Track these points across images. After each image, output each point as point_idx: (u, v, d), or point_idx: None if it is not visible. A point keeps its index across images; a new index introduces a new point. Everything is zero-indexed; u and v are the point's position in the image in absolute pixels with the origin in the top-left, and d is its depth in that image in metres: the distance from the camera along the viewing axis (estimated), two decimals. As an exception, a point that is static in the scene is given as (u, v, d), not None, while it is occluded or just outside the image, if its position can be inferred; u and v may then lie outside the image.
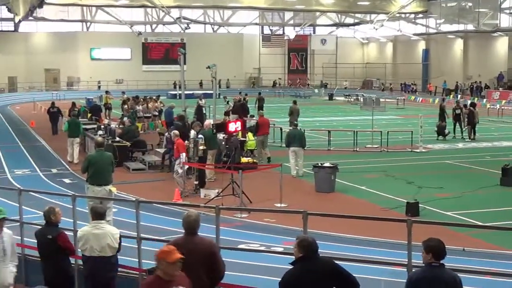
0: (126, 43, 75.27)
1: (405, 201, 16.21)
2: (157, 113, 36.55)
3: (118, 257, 8.67)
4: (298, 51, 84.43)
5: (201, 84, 71.70)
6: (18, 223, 10.73)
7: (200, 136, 19.96)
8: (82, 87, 72.63)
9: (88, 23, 77.47)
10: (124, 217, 13.70)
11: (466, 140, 30.64)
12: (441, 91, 67.19)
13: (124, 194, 17.53)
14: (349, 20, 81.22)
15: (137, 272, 9.11)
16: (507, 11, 62.45)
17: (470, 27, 64.59)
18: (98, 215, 8.59)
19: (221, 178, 18.69)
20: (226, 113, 33.58)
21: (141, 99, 38.43)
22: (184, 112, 26.19)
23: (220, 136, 21.41)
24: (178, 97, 44.53)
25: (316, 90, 71.83)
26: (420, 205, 15.82)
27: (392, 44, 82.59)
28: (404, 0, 67.04)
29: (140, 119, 34.88)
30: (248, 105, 36.27)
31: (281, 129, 29.23)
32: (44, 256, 9.00)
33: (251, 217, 15.47)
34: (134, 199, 10.43)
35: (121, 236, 8.61)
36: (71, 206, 10.18)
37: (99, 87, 70.60)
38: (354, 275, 6.37)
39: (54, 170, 23.15)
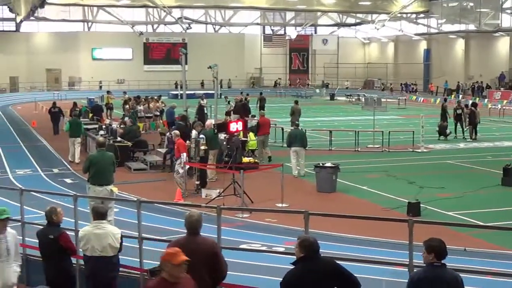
0: (128, 43, 75.28)
1: (407, 201, 16.21)
2: (158, 113, 36.57)
3: (120, 257, 8.68)
4: (300, 51, 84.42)
5: (202, 84, 71.69)
6: (20, 223, 10.74)
7: (201, 136, 19.96)
8: (83, 87, 72.66)
9: (90, 23, 77.46)
10: (126, 217, 13.72)
11: (468, 140, 30.64)
12: (443, 91, 67.16)
13: (125, 194, 17.55)
14: (350, 20, 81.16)
15: (139, 272, 9.12)
16: (509, 11, 62.42)
17: (472, 27, 64.54)
18: (99, 215, 8.59)
19: (222, 178, 18.70)
20: (227, 113, 33.57)
21: (143, 99, 38.43)
22: (186, 112, 26.21)
23: (222, 136, 21.42)
24: (179, 97, 44.60)
25: (318, 90, 71.81)
26: (421, 205, 15.82)
27: (394, 44, 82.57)
28: (406, 0, 66.97)
29: (142, 119, 34.90)
30: (250, 105, 36.27)
31: (282, 129, 29.23)
32: (45, 256, 9.00)
33: (252, 217, 15.47)
34: (135, 199, 10.45)
35: (122, 236, 8.62)
36: (73, 206, 10.19)
37: (100, 87, 70.62)
38: (355, 275, 6.38)
39: (55, 170, 23.16)
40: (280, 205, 16.66)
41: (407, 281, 6.54)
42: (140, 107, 36.18)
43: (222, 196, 17.06)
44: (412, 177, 20.84)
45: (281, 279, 6.29)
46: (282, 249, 11.69)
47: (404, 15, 73.17)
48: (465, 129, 31.47)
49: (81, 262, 9.04)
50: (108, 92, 45.28)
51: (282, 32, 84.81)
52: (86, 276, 8.67)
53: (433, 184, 19.67)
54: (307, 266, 6.19)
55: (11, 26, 74.56)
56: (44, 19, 70.27)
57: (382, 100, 38.70)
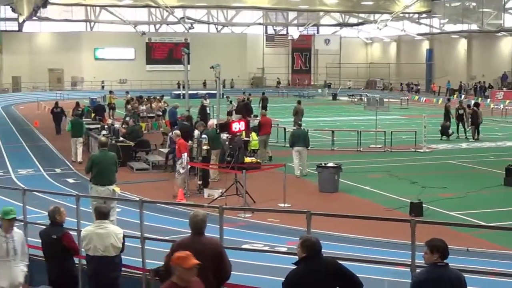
0: (130, 43, 75.34)
1: (409, 201, 16.21)
2: (160, 113, 36.58)
3: (122, 257, 8.68)
4: (302, 51, 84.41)
5: (204, 84, 71.72)
6: (22, 223, 10.75)
7: (203, 136, 19.95)
8: (85, 87, 72.72)
9: (92, 23, 77.60)
10: (128, 217, 13.73)
11: (470, 140, 30.62)
12: (445, 91, 67.13)
13: (127, 194, 17.54)
14: (353, 20, 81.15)
15: (141, 272, 9.11)
16: (511, 11, 62.36)
17: (474, 27, 64.52)
18: (101, 214, 8.60)
19: (224, 178, 18.69)
20: (229, 113, 33.61)
21: (145, 99, 38.46)
22: (188, 112, 26.21)
23: (224, 136, 21.42)
24: (181, 97, 44.68)
25: (320, 90, 71.80)
26: (423, 205, 15.81)
27: (396, 44, 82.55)
28: (408, 0, 66.97)
29: (144, 119, 34.92)
30: (252, 105, 36.28)
31: (284, 129, 29.22)
32: (48, 256, 9.01)
33: (254, 217, 15.47)
34: (137, 199, 10.45)
35: (124, 236, 8.62)
36: (75, 206, 10.19)
37: (102, 87, 70.68)
38: (357, 275, 6.38)
39: (58, 170, 23.18)
40: (282, 205, 16.66)
41: (409, 281, 6.54)
42: (143, 107, 36.21)
43: (224, 196, 17.05)
44: (414, 177, 20.82)
45: (283, 279, 6.29)
46: (284, 249, 11.68)
47: (407, 15, 73.20)
48: (467, 129, 31.46)
49: (84, 262, 9.05)
50: (110, 92, 45.32)
51: (284, 32, 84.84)
52: (89, 276, 8.68)
53: (435, 184, 19.65)
54: (309, 266, 6.19)
55: (13, 26, 74.68)
56: (47, 19, 70.42)
57: (385, 100, 38.78)
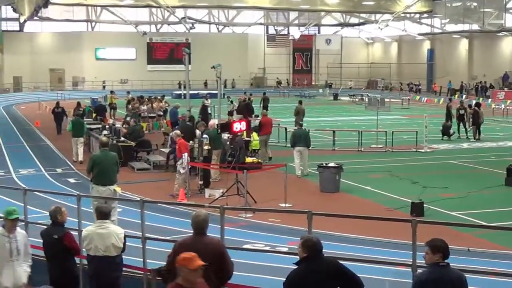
0: (131, 43, 75.36)
1: (410, 201, 16.21)
2: (161, 113, 36.59)
3: (123, 257, 8.68)
4: (303, 51, 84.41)
5: (206, 84, 71.75)
6: (23, 223, 10.75)
7: (205, 136, 19.96)
8: (87, 87, 72.72)
9: (93, 23, 77.63)
10: (129, 217, 13.73)
11: (471, 140, 30.62)
12: (446, 91, 67.12)
13: (129, 194, 17.54)
14: (354, 20, 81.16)
15: (142, 272, 9.12)
16: (512, 11, 62.41)
17: (475, 27, 64.50)
18: (103, 214, 8.61)
19: (225, 178, 18.69)
20: (230, 113, 33.61)
21: (146, 99, 38.46)
22: (189, 112, 26.22)
23: (225, 136, 21.42)
24: (183, 97, 44.66)
25: (321, 90, 71.79)
26: (425, 205, 15.80)
27: (397, 44, 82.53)
28: (409, 0, 66.96)
29: (145, 119, 34.93)
30: (253, 105, 36.28)
31: (285, 129, 29.22)
32: (49, 256, 9.01)
33: (255, 217, 15.46)
34: (139, 199, 10.45)
35: (125, 236, 8.61)
36: (76, 206, 10.20)
37: (104, 87, 70.70)
38: (358, 275, 6.38)
39: (59, 170, 23.19)
40: (283, 205, 16.67)
41: (410, 281, 6.54)
42: (144, 107, 36.22)
43: (226, 196, 17.05)
44: (415, 177, 20.82)
45: (284, 279, 6.29)
46: (285, 249, 11.69)
47: (408, 15, 73.20)
48: (468, 129, 31.45)
49: (85, 262, 9.06)
50: (111, 92, 45.35)
51: (285, 32, 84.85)
52: (90, 276, 8.68)
53: (436, 184, 19.65)
54: (310, 266, 6.20)
55: (14, 26, 74.74)
56: (48, 19, 70.45)
57: (386, 100, 38.75)
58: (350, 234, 13.67)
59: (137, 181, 20.57)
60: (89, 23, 77.65)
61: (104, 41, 75.28)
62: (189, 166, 18.38)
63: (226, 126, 20.50)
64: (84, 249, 8.77)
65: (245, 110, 33.19)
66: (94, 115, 34.65)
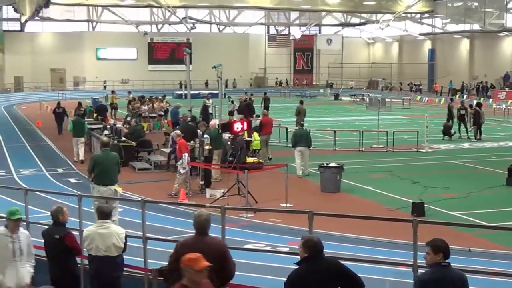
0: (132, 43, 75.39)
1: (411, 201, 16.21)
2: (162, 113, 36.59)
3: (124, 257, 8.69)
4: (304, 51, 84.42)
5: (207, 84, 71.77)
6: (24, 223, 10.76)
7: (205, 136, 19.97)
8: (88, 87, 72.76)
9: (94, 23, 77.63)
10: (130, 217, 13.73)
11: (472, 140, 30.61)
12: (447, 91, 67.11)
13: (130, 194, 17.56)
14: (355, 20, 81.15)
15: (143, 272, 9.13)
16: (513, 11, 62.39)
17: (476, 27, 64.49)
18: (104, 214, 8.61)
19: (226, 178, 18.69)
20: (230, 113, 33.59)
21: (147, 99, 38.47)
22: (190, 112, 26.22)
23: (226, 136, 21.43)
24: (183, 97, 44.55)
25: (322, 90, 71.78)
26: (425, 205, 15.80)
27: (398, 44, 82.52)
28: (410, 0, 66.93)
29: (146, 119, 34.94)
30: (254, 105, 36.28)
31: (286, 129, 29.22)
32: (51, 256, 9.01)
33: (256, 217, 15.47)
34: (140, 199, 10.45)
35: (126, 236, 8.62)
36: (77, 206, 10.21)
37: (105, 87, 70.72)
38: (359, 275, 6.38)
39: (60, 170, 23.20)
40: (284, 205, 16.67)
41: (411, 281, 6.55)
42: (145, 107, 36.23)
43: (227, 196, 17.05)
44: (416, 177, 20.82)
45: (285, 279, 6.29)
46: (286, 249, 11.69)
47: (409, 15, 73.16)
48: (469, 130, 31.44)
49: (86, 261, 9.06)
50: (112, 92, 45.33)
51: (286, 32, 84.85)
52: (91, 276, 8.68)
53: (437, 184, 19.65)
54: (311, 266, 6.20)
55: (15, 26, 74.78)
56: (49, 19, 70.48)
57: (387, 100, 38.73)
58: (351, 234, 13.67)
59: (138, 181, 20.59)
60: (90, 23, 77.67)
61: (105, 41, 75.31)
62: (189, 166, 18.38)
63: (227, 126, 20.50)
64: (85, 249, 8.78)
65: (246, 110, 33.18)
66: (95, 115, 34.64)
